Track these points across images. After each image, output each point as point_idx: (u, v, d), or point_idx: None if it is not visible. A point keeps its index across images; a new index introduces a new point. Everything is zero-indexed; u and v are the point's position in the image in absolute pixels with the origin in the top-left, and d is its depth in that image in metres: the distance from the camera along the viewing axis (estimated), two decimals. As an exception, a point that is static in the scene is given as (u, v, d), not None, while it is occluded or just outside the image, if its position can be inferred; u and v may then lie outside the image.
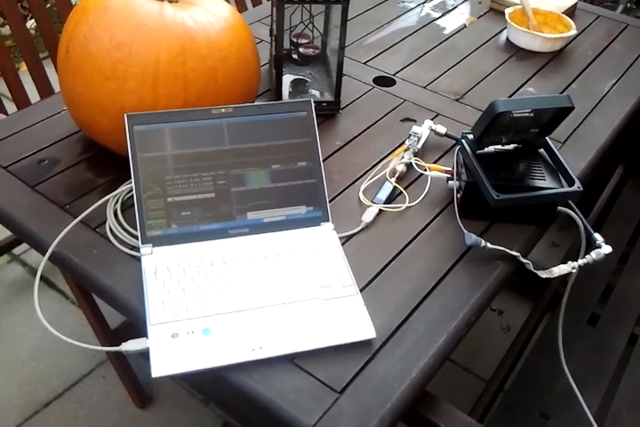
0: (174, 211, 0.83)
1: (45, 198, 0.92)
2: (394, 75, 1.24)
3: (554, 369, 1.02)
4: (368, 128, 1.09)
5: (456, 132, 1.06)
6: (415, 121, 1.11)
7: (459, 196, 0.91)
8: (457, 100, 1.18)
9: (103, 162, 0.98)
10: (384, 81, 1.22)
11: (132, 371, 1.37)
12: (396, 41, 1.36)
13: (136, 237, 0.84)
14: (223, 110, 0.86)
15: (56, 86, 1.48)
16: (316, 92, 1.14)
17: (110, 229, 0.86)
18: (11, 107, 1.46)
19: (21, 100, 1.47)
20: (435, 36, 1.39)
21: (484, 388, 1.11)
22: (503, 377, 1.11)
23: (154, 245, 0.81)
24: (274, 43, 1.06)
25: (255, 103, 0.88)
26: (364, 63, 1.28)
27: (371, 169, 1.00)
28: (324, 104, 1.10)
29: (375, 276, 0.82)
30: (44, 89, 1.48)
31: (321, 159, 0.87)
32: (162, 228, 0.82)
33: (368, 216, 0.90)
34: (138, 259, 0.81)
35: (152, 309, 0.73)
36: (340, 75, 1.06)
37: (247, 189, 0.85)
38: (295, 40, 1.13)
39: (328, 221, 0.86)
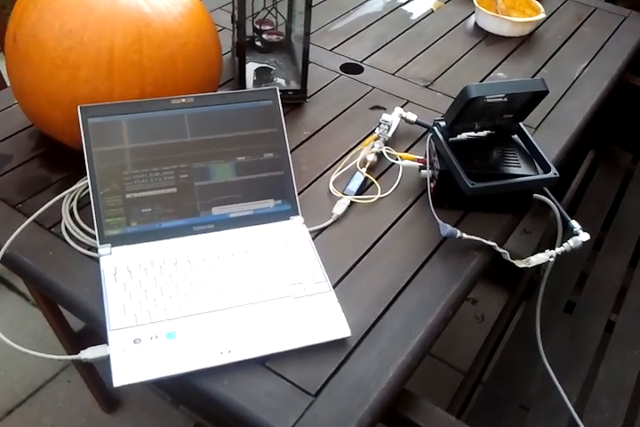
0: (134, 208, 0.78)
1: (-4, 198, 0.86)
2: (361, 62, 1.20)
3: (532, 359, 1.00)
4: (336, 117, 1.05)
5: (427, 120, 1.03)
6: (385, 109, 1.08)
7: (432, 185, 0.88)
8: (426, 86, 1.15)
9: (57, 158, 0.93)
10: (351, 68, 1.18)
11: (98, 374, 1.32)
12: (362, 27, 1.32)
13: (94, 237, 0.79)
14: (183, 100, 0.81)
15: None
16: (281, 81, 1.10)
17: (66, 229, 0.81)
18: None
19: None
20: (402, 22, 1.36)
21: (461, 380, 1.09)
22: (481, 369, 1.09)
23: (113, 245, 0.76)
24: (236, 29, 1.01)
25: (217, 92, 0.83)
26: (331, 50, 1.23)
27: (340, 159, 0.96)
28: (290, 93, 1.05)
29: (348, 271, 0.79)
30: None
31: (288, 150, 0.83)
32: (121, 226, 0.77)
33: (339, 208, 0.86)
34: (96, 260, 0.77)
35: (112, 313, 0.69)
36: (305, 62, 1.02)
37: (211, 182, 0.81)
38: (258, 27, 1.09)
39: (298, 214, 0.82)
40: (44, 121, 0.87)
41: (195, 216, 0.80)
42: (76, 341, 1.19)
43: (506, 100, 0.85)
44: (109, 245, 0.76)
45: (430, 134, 0.90)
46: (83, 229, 0.81)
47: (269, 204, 0.82)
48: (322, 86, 1.12)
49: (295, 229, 0.81)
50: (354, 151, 0.96)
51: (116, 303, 0.70)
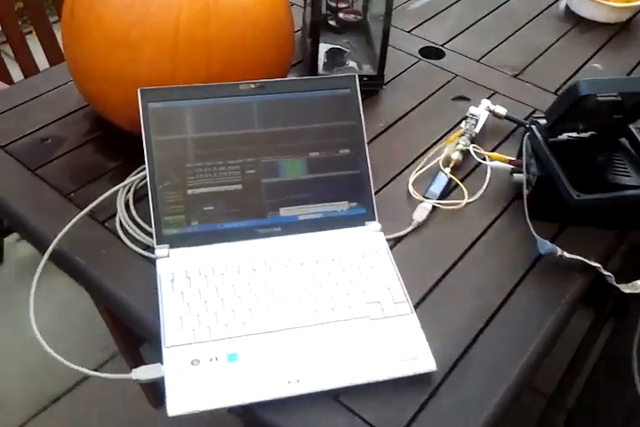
0: (195, 205, 0.70)
1: (47, 184, 0.80)
2: (442, 46, 1.10)
3: (623, 385, 0.90)
4: (415, 107, 0.95)
5: (516, 114, 0.92)
6: (469, 100, 0.97)
7: (527, 192, 0.77)
8: (515, 76, 1.04)
9: (114, 142, 0.86)
10: (431, 52, 1.07)
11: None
12: (443, 7, 1.21)
13: (150, 235, 0.72)
14: (253, 86, 0.72)
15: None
16: (354, 64, 1.00)
17: (121, 224, 0.74)
18: (18, 75, 1.33)
19: (28, 67, 1.34)
20: (485, 3, 1.24)
21: (545, 405, 0.99)
22: (565, 392, 1.00)
23: (171, 246, 0.69)
24: (309, 6, 0.91)
25: (290, 78, 0.74)
26: (409, 32, 1.13)
27: (420, 156, 0.86)
28: (365, 79, 0.95)
29: (430, 289, 0.70)
30: (54, 56, 1.35)
31: (366, 146, 0.74)
32: (180, 225, 0.70)
33: (420, 214, 0.77)
34: (152, 261, 0.70)
35: (168, 327, 0.61)
36: (385, 45, 0.92)
37: (280, 180, 0.72)
38: (334, 4, 0.98)
39: (374, 219, 0.74)
40: (101, 103, 0.80)
41: (260, 217, 0.72)
42: (133, 339, 1.13)
43: (619, 98, 0.74)
44: (167, 245, 0.69)
45: (527, 133, 0.79)
46: (139, 226, 0.74)
47: (343, 206, 0.73)
48: (399, 72, 1.02)
49: (371, 237, 0.72)
50: (436, 148, 0.86)
51: (172, 315, 0.63)
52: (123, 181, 0.79)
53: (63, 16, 0.78)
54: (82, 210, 0.75)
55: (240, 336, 0.61)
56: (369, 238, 0.72)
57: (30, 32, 1.41)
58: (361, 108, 0.74)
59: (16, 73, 1.33)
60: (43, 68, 1.35)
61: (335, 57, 1.02)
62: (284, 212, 0.72)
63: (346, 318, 0.64)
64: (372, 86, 0.97)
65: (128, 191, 0.78)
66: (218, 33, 0.72)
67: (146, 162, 0.69)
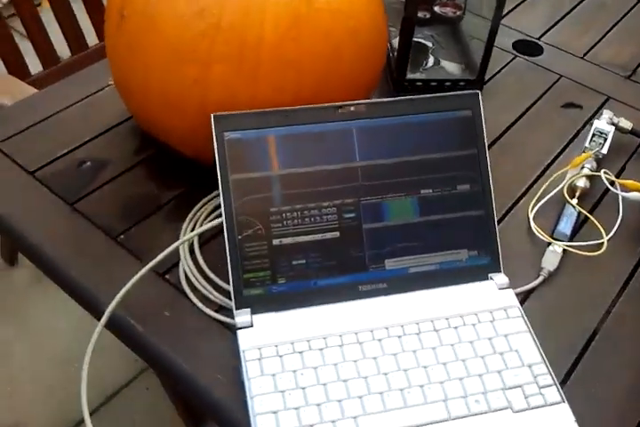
0: (282, 259, 0.56)
1: (90, 223, 0.66)
2: (539, 39, 0.94)
3: None
4: (520, 118, 0.80)
5: (637, 125, 0.77)
6: (581, 108, 0.82)
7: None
8: (628, 77, 0.88)
9: (168, 166, 0.71)
10: (528, 47, 0.92)
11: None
12: (529, -10, 1.04)
13: (224, 292, 0.58)
14: (353, 108, 0.58)
15: (88, 34, 1.20)
16: (446, 64, 0.84)
17: (186, 278, 0.61)
18: (33, 61, 1.17)
19: (42, 46, 1.16)
20: (577, -16, 1.07)
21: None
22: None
23: (253, 311, 0.55)
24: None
25: (399, 98, 0.59)
26: (496, 21, 0.97)
27: (536, 182, 0.72)
28: (462, 83, 0.80)
29: (574, 363, 0.56)
30: (72, 34, 1.18)
31: (491, 180, 0.60)
32: (265, 284, 0.56)
33: (551, 260, 0.63)
34: (229, 327, 0.56)
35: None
36: (490, 45, 0.76)
37: (385, 225, 0.58)
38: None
39: (500, 271, 0.60)
40: (156, 127, 0.65)
41: (362, 271, 0.58)
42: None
43: None
44: (249, 310, 0.55)
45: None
46: (208, 279, 0.60)
47: (462, 256, 0.59)
48: (494, 73, 0.87)
49: (499, 296, 0.58)
50: (553, 170, 0.72)
51: (264, 410, 0.49)
52: (184, 216, 0.65)
53: (107, 20, 0.63)
54: (136, 258, 0.62)
55: (355, 440, 0.48)
56: (496, 297, 0.58)
57: (39, 4, 1.23)
58: (484, 133, 0.60)
59: (30, 57, 1.16)
60: (60, 48, 1.19)
61: (416, 53, 0.86)
62: (391, 264, 0.58)
63: (482, 411, 0.50)
64: (467, 92, 0.81)
65: (192, 230, 0.64)
66: (311, 48, 0.57)
67: (222, 206, 0.55)
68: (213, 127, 0.55)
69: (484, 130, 0.60)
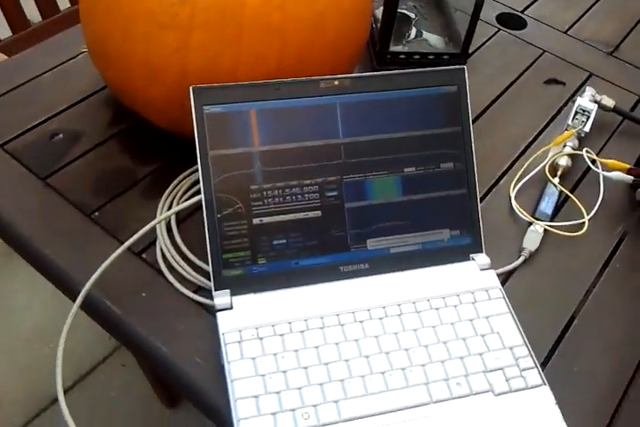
0: (263, 238, 0.55)
1: (62, 198, 0.64)
2: (522, 12, 0.92)
3: None
4: (502, 93, 0.79)
5: (619, 104, 0.77)
6: (564, 84, 0.81)
7: (664, 217, 0.63)
8: (610, 53, 0.87)
9: (144, 139, 0.69)
10: (511, 21, 0.90)
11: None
12: (514, -40, 1.02)
13: (202, 272, 0.57)
14: (337, 82, 0.56)
15: None
16: (429, 36, 0.82)
17: (163, 257, 0.59)
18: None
19: (11, 10, 1.11)
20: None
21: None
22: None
23: (233, 293, 0.54)
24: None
25: (385, 72, 0.58)
26: (480, -8, 0.94)
27: (518, 159, 0.71)
28: (446, 57, 0.79)
29: (554, 346, 0.56)
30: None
31: (474, 159, 0.59)
32: (245, 264, 0.55)
33: (532, 240, 0.63)
34: (207, 308, 0.55)
35: (242, 412, 0.48)
36: (475, 18, 0.75)
37: (368, 204, 0.57)
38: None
39: (481, 251, 0.59)
40: (133, 97, 0.63)
41: (343, 251, 0.57)
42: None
43: None
44: (229, 292, 0.54)
45: (661, 140, 0.64)
46: (187, 259, 0.59)
47: (444, 235, 0.59)
48: (477, 46, 0.85)
49: (480, 276, 0.58)
50: (538, 151, 0.71)
51: (244, 394, 0.49)
52: (161, 192, 0.63)
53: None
54: (112, 236, 0.60)
55: (335, 424, 0.48)
56: (477, 278, 0.58)
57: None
58: (469, 110, 0.58)
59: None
60: (31, 12, 1.14)
61: (399, 25, 0.84)
62: (373, 244, 0.57)
63: (464, 394, 0.51)
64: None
65: (169, 208, 0.62)
66: (295, 14, 0.54)
67: (201, 184, 0.54)
68: (192, 100, 0.53)
69: (469, 107, 0.58)
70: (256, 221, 0.55)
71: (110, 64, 0.60)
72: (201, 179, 0.54)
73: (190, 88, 0.53)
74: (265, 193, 0.55)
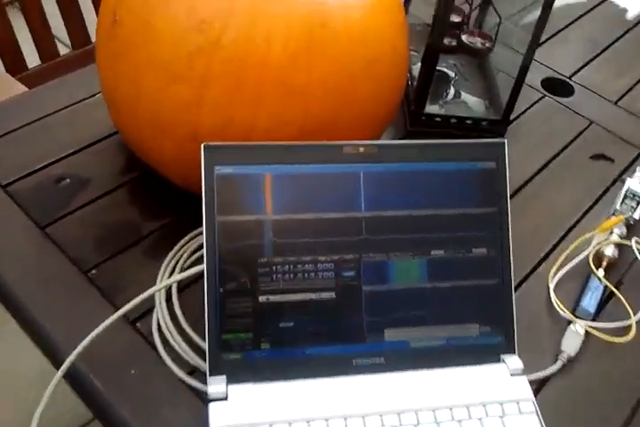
0: (269, 319, 0.49)
1: (60, 251, 0.59)
2: (570, 78, 0.87)
3: None
4: (544, 167, 0.73)
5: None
6: (612, 161, 0.75)
7: None
8: (665, 129, 0.81)
9: (155, 189, 0.64)
10: (557, 86, 0.85)
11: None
12: (563, 24, 0.97)
13: (202, 354, 0.51)
14: (362, 149, 0.51)
15: (91, 25, 1.12)
16: (469, 99, 0.77)
17: (159, 329, 0.53)
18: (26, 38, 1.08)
19: (42, 39, 1.08)
20: (614, 22, 1.00)
21: None
22: None
23: (230, 380, 0.48)
24: (433, 24, 0.69)
25: (417, 141, 0.52)
26: (526, 55, 0.90)
27: (557, 245, 0.65)
28: (484, 123, 0.73)
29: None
30: (75, 25, 1.11)
31: (511, 245, 0.53)
32: (245, 347, 0.49)
33: (571, 343, 0.55)
34: (200, 395, 0.49)
35: None
36: (520, 83, 0.69)
37: (389, 288, 0.51)
38: (455, 19, 0.75)
39: (513, 352, 0.52)
40: (142, 148, 0.58)
41: (358, 341, 0.51)
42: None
43: None
44: (224, 378, 0.48)
45: None
46: (183, 333, 0.53)
47: (472, 331, 0.52)
48: (520, 112, 0.80)
49: (510, 384, 0.51)
50: (582, 236, 0.64)
51: None
52: (166, 251, 0.58)
53: (101, 17, 0.55)
54: (107, 299, 0.55)
55: None
56: (507, 385, 0.51)
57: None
58: (508, 189, 0.53)
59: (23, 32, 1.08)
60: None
61: (437, 83, 0.79)
62: (391, 335, 0.51)
63: None
64: (491, 133, 0.74)
65: (171, 273, 0.57)
66: (322, 77, 0.50)
67: (204, 252, 0.48)
68: (203, 159, 0.48)
69: (507, 186, 0.53)
70: (262, 298, 0.49)
71: (120, 111, 0.56)
72: (205, 246, 0.48)
73: (202, 145, 0.48)
74: (274, 268, 0.50)
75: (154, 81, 0.51)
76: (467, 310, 0.52)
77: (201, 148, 0.48)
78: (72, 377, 0.51)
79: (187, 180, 0.56)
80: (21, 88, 0.96)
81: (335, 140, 0.50)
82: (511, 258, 0.52)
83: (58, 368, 0.49)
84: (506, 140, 0.53)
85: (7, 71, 1.06)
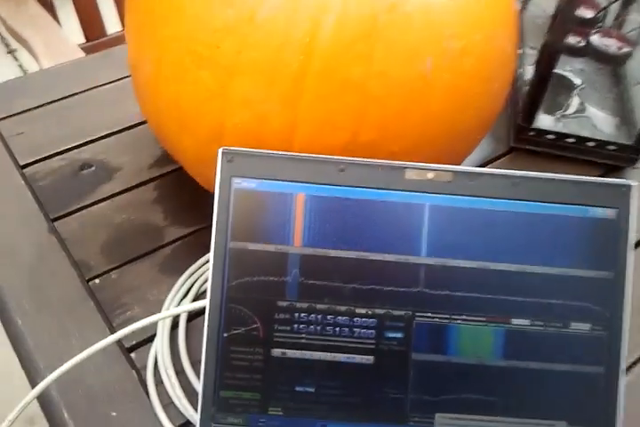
0: (282, 379, 0.38)
1: (64, 253, 0.50)
2: None
3: None
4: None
5: None
6: None
7: None
8: None
9: (187, 189, 0.54)
10: None
11: None
12: None
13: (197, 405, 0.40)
14: (431, 175, 0.37)
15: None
16: (596, 115, 0.61)
17: (155, 365, 0.43)
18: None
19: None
20: None
21: None
22: None
23: (222, 452, 0.37)
24: (553, 18, 0.54)
25: (502, 171, 0.38)
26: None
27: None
28: (611, 147, 0.58)
29: None
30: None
31: (627, 323, 0.38)
32: (249, 411, 0.38)
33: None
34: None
35: None
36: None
37: (447, 360, 0.38)
38: (584, 15, 0.60)
39: (608, 471, 0.38)
40: (166, 140, 0.48)
41: (397, 422, 0.38)
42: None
43: None
44: (215, 450, 0.37)
45: None
46: (182, 372, 0.43)
47: (554, 430, 0.38)
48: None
49: None
50: None
51: None
52: (184, 267, 0.48)
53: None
54: (103, 316, 0.45)
55: None
56: None
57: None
58: (631, 247, 0.38)
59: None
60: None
61: (556, 90, 0.64)
62: (443, 421, 0.38)
63: None
64: (618, 161, 0.58)
65: (183, 296, 0.47)
66: (384, 74, 0.36)
67: (209, 285, 0.37)
68: (220, 167, 0.37)
69: (629, 244, 0.38)
70: (277, 352, 0.38)
71: (142, 96, 0.45)
72: (210, 278, 0.37)
73: (220, 150, 0.37)
74: (297, 315, 0.38)
75: (175, 63, 0.40)
76: (552, 403, 0.38)
77: (218, 153, 0.37)
78: (45, 406, 0.42)
79: (208, 181, 0.46)
80: (78, 52, 0.89)
81: (397, 160, 0.37)
82: (625, 340, 0.38)
83: (33, 386, 0.40)
84: (636, 184, 0.38)
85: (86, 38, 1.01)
